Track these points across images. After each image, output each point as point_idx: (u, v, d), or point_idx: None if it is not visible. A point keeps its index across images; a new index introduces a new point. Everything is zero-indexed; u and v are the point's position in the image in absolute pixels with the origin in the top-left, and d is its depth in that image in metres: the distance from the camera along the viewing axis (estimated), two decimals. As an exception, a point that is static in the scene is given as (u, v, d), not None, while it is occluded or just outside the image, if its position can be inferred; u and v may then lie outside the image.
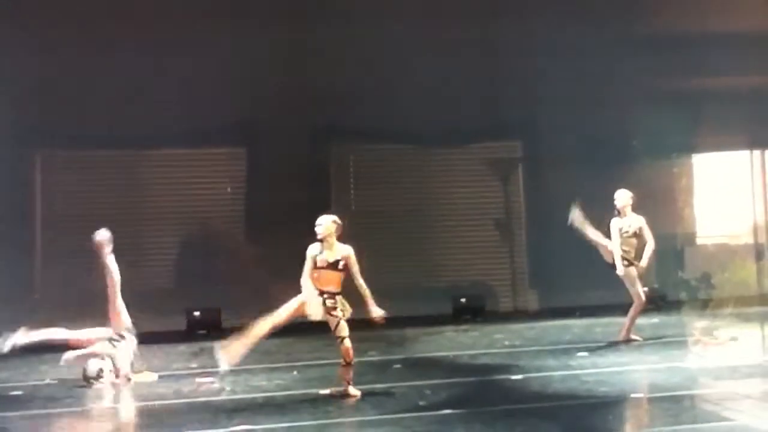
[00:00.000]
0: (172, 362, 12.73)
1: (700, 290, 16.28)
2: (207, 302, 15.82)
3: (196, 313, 15.81)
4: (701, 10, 17.15)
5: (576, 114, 16.67)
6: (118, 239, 11.14)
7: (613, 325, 13.26)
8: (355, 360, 9.90)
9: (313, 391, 10.16)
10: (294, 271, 9.76)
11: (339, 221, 9.83)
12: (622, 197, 12.54)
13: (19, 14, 15.76)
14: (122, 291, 11.07)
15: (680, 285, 16.49)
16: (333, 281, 9.73)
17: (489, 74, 16.73)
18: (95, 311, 11.30)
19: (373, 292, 9.61)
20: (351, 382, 9.87)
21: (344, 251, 9.77)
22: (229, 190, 14.91)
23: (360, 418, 8.77)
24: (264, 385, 10.75)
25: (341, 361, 9.81)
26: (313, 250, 9.75)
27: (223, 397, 10.17)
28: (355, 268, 9.74)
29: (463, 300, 16.41)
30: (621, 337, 12.61)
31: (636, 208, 12.43)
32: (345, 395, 9.74)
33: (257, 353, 12.92)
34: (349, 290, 9.77)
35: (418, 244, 17.16)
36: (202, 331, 15.36)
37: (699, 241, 18.48)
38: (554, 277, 16.58)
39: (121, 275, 11.02)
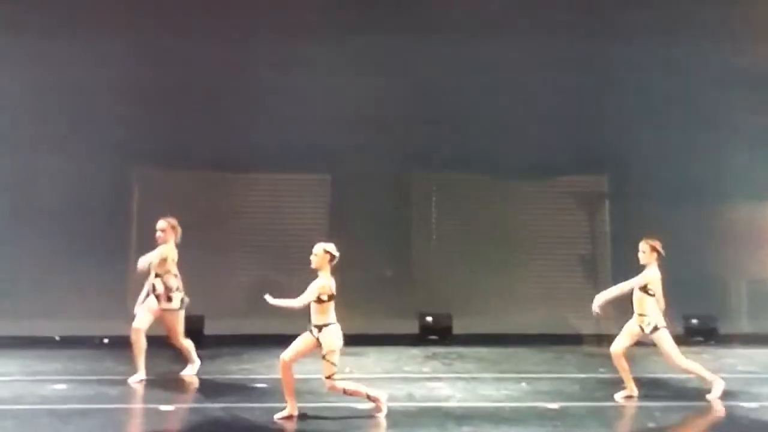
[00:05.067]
0: (403, 365, 13.18)
1: None
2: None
3: (428, 318, 16.20)
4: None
5: (669, 152, 16.06)
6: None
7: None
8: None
9: (542, 404, 10.25)
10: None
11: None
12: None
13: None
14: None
15: None
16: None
17: (580, 108, 16.30)
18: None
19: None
20: None
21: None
22: None
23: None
24: (493, 394, 10.93)
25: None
26: (329, 281, 9.19)
27: (452, 403, 10.42)
28: None
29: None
30: None
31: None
32: None
33: (486, 362, 13.33)
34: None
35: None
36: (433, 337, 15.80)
37: None
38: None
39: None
